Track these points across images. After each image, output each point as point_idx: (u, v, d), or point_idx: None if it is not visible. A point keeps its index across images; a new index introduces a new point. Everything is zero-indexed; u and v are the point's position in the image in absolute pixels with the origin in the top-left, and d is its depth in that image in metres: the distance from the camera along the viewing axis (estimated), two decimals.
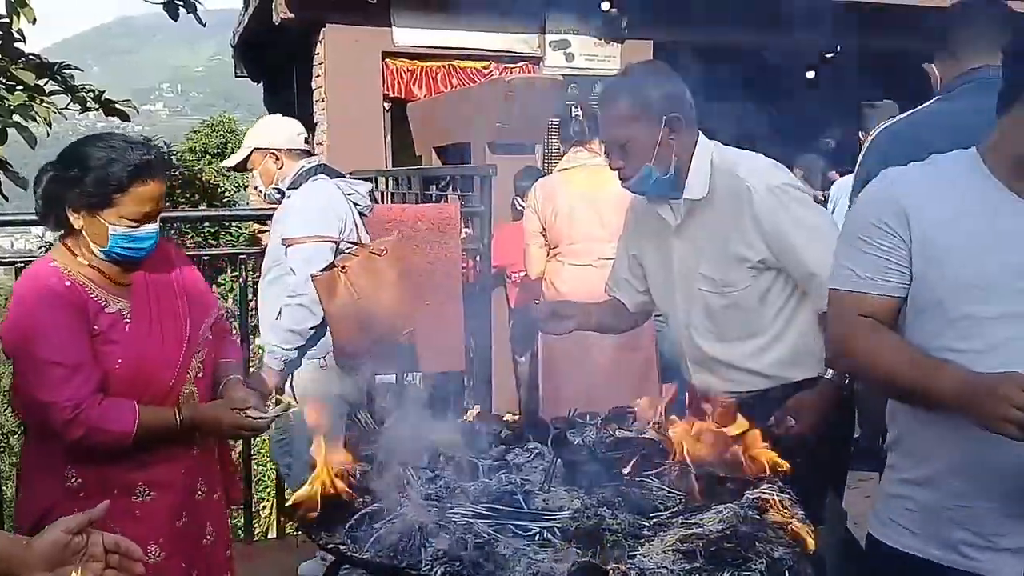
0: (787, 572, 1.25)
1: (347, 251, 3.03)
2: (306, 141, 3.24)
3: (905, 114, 2.41)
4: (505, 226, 4.80)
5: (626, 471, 1.62)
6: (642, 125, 2.11)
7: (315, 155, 3.31)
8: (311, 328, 2.96)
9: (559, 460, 1.69)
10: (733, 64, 7.22)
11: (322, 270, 2.92)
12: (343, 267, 2.93)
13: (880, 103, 4.70)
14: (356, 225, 3.13)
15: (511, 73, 7.21)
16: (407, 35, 7.36)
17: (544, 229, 3.78)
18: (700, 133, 2.21)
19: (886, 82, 8.01)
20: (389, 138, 7.62)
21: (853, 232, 1.62)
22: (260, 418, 2.02)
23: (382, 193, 5.37)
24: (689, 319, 2.26)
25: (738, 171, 2.15)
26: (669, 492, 1.55)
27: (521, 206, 4.60)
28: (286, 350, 2.92)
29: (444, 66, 7.50)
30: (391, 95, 7.51)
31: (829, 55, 8.39)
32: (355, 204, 3.17)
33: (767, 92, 8.08)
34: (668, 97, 2.12)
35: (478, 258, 4.25)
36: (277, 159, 3.14)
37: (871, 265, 1.57)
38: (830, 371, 2.11)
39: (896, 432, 1.67)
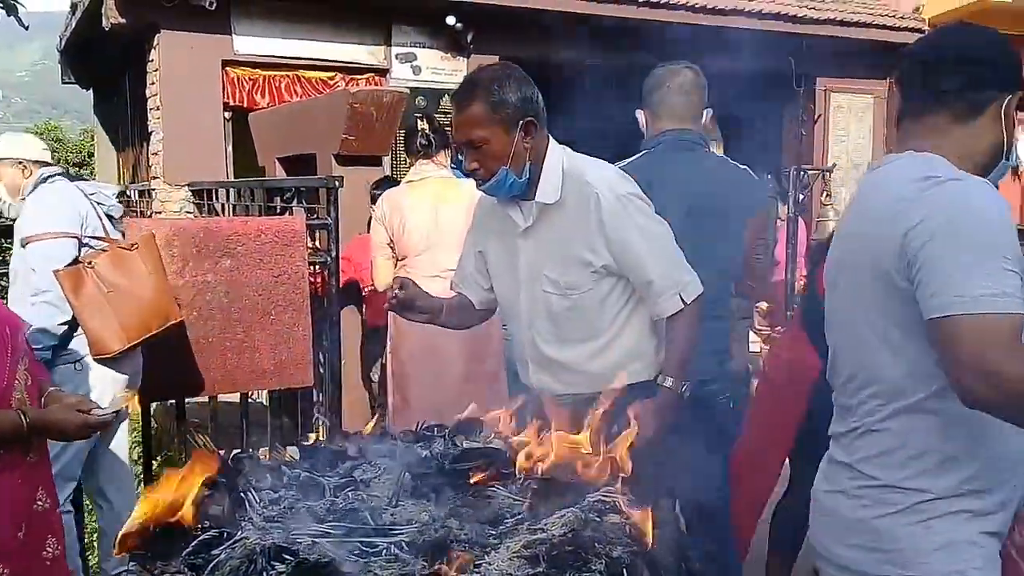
0: (624, 570, 1.30)
1: (94, 247, 3.02)
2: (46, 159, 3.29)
3: (624, 162, 2.68)
4: (359, 238, 4.75)
5: (473, 482, 1.64)
6: (498, 127, 2.13)
7: (55, 165, 3.38)
8: (61, 325, 2.93)
9: (407, 474, 1.69)
10: (579, 80, 7.46)
11: (66, 266, 2.87)
12: (89, 262, 2.88)
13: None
14: (103, 224, 3.16)
15: (357, 85, 7.14)
16: (248, 43, 7.15)
17: (391, 241, 3.77)
18: (551, 138, 2.26)
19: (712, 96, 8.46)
20: (230, 148, 7.37)
21: (994, 252, 1.39)
22: (104, 414, 2.01)
23: (223, 205, 5.18)
24: (532, 320, 2.31)
25: (587, 177, 2.22)
26: (515, 500, 1.58)
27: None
28: (38, 350, 2.77)
29: (288, 76, 7.32)
30: (232, 104, 7.26)
31: None
32: (99, 204, 3.19)
33: (610, 107, 8.39)
34: (524, 100, 2.15)
35: (326, 272, 4.18)
36: (25, 169, 3.18)
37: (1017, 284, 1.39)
38: (668, 379, 2.22)
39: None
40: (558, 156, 2.25)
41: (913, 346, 1.50)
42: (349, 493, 1.65)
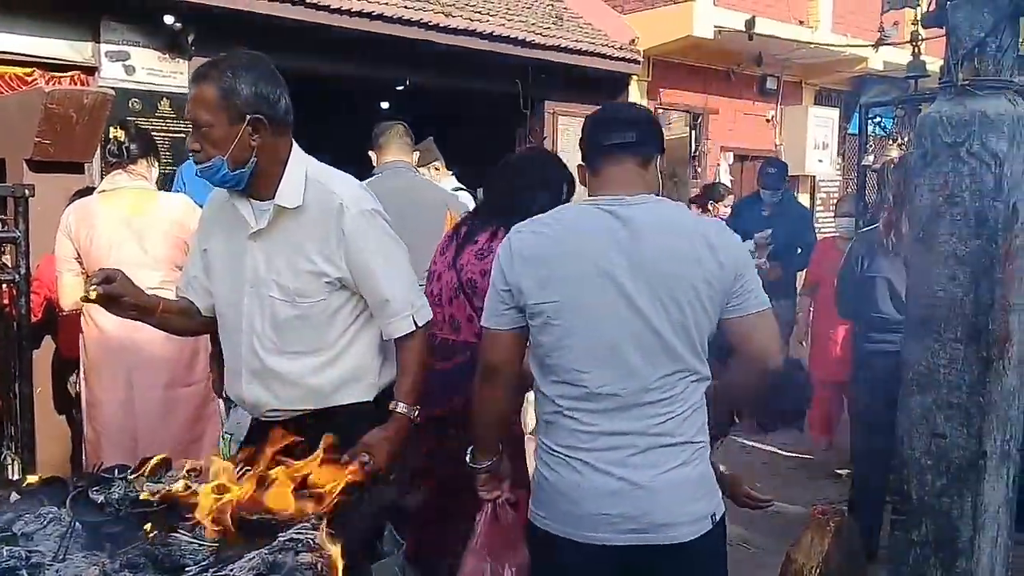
0: None
1: None
2: None
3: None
4: (46, 257, 4.28)
5: (151, 529, 1.49)
6: (223, 115, 2.08)
7: None
8: None
9: (77, 524, 1.51)
10: (310, 90, 7.26)
11: None
12: None
13: (429, 143, 5.07)
14: None
15: (59, 83, 6.48)
16: None
17: (79, 255, 3.42)
18: (295, 144, 2.21)
19: (447, 114, 8.68)
20: None
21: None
22: None
23: None
24: (253, 326, 2.21)
25: (333, 187, 2.20)
26: (200, 544, 1.45)
27: None
28: None
29: None
30: None
31: (400, 88, 8.84)
32: None
33: (343, 118, 8.28)
34: (258, 96, 2.09)
35: (15, 290, 3.71)
36: None
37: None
38: (402, 404, 2.20)
39: None
40: (302, 162, 2.20)
41: None
42: (4, 550, 1.43)
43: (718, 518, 2.05)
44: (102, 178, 6.57)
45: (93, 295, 2.00)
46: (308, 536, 1.37)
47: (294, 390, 2.22)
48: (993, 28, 2.42)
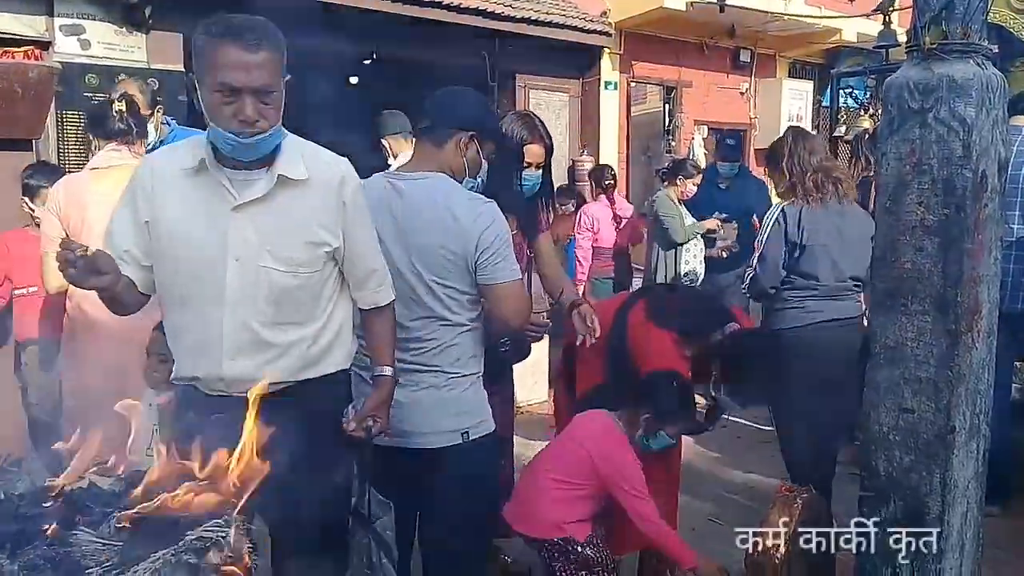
0: None
1: None
2: None
3: None
4: (6, 233, 4.13)
5: (48, 528, 1.38)
6: (280, 80, 2.07)
7: None
8: None
9: None
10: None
11: None
12: None
13: (395, 111, 4.91)
14: None
15: (13, 57, 6.27)
16: None
17: (68, 235, 3.25)
18: None
19: (414, 88, 8.50)
20: None
21: None
22: None
23: None
24: (242, 299, 2.14)
25: (329, 159, 2.28)
26: (106, 545, 1.34)
27: (31, 207, 4.00)
28: None
29: None
30: None
31: (367, 61, 8.66)
32: None
33: (312, 92, 8.09)
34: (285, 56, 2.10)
35: None
36: None
37: None
38: (387, 367, 2.37)
39: None
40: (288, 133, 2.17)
41: None
42: None
43: (471, 436, 2.56)
44: (59, 155, 6.45)
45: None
46: (218, 534, 1.27)
47: (287, 360, 2.21)
48: None
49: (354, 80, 9.94)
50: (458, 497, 2.55)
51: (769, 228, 3.82)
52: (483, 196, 2.59)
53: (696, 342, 3.31)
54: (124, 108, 3.43)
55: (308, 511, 2.13)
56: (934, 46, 2.39)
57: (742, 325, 3.47)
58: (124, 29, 6.74)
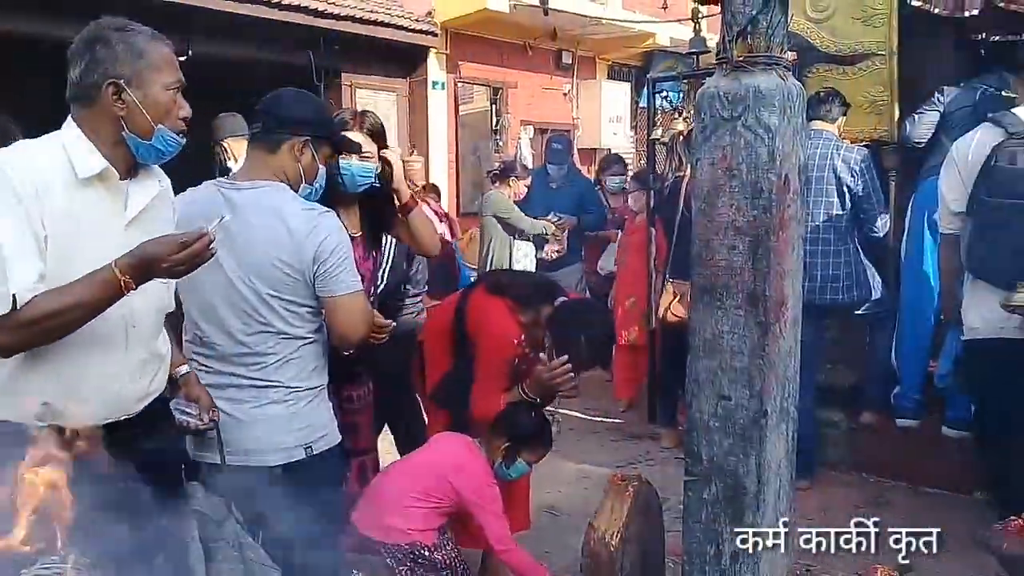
0: None
1: None
2: None
3: None
4: None
5: None
6: None
7: None
8: None
9: None
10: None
11: None
12: None
13: (233, 113, 4.74)
14: None
15: None
16: None
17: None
18: None
19: (233, 88, 8.24)
20: None
21: None
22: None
23: None
24: (136, 316, 2.09)
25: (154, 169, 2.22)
26: None
27: None
28: None
29: None
30: None
31: (181, 58, 8.26)
32: None
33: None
34: None
35: None
36: None
37: None
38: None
39: None
40: None
41: None
42: None
43: (315, 450, 2.51)
44: None
45: None
46: (55, 571, 1.19)
47: (164, 373, 2.27)
48: (764, 6, 2.51)
49: None
50: (303, 513, 2.44)
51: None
52: (320, 205, 2.53)
53: (530, 310, 3.39)
54: None
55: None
56: (741, 59, 2.56)
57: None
58: None
